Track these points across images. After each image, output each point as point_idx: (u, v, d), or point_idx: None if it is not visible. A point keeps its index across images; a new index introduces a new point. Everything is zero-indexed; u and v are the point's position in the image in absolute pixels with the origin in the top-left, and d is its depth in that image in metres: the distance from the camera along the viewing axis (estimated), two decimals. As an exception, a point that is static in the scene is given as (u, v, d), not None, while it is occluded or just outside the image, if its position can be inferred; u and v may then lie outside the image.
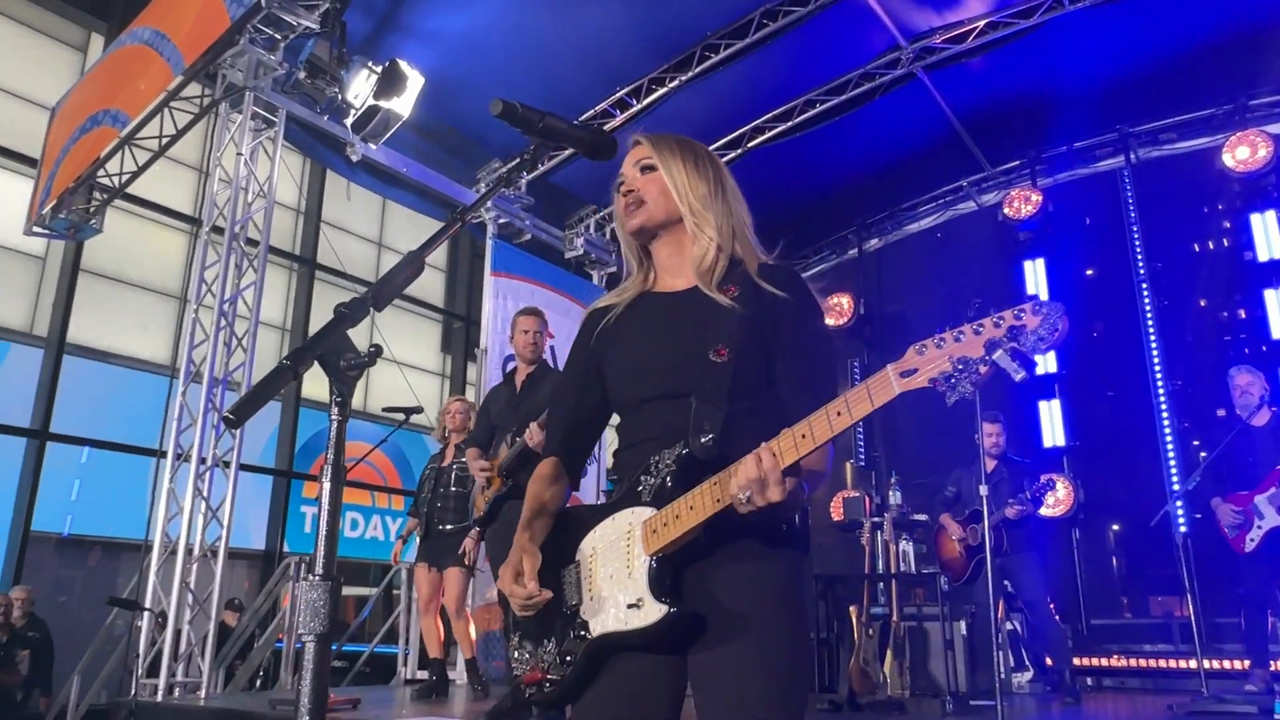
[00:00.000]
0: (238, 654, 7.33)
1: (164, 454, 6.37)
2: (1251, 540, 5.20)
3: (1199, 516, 7.10)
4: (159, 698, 5.61)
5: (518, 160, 1.61)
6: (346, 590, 12.15)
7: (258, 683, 7.33)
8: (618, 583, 1.54)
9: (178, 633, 5.84)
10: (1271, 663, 5.50)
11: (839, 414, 1.35)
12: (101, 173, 7.44)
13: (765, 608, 1.51)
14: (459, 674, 7.12)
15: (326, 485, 1.20)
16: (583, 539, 1.63)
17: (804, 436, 1.37)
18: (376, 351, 1.25)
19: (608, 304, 1.79)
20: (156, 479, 6.39)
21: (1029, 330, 1.23)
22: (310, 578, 1.17)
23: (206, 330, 6.49)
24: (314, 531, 1.23)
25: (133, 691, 5.54)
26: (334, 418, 1.24)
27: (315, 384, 11.12)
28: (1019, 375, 1.23)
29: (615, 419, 1.82)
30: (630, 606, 1.50)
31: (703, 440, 1.50)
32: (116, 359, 9.97)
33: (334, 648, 8.58)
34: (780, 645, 1.51)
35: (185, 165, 10.52)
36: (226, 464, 6.32)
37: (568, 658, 1.56)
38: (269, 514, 11.20)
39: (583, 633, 1.56)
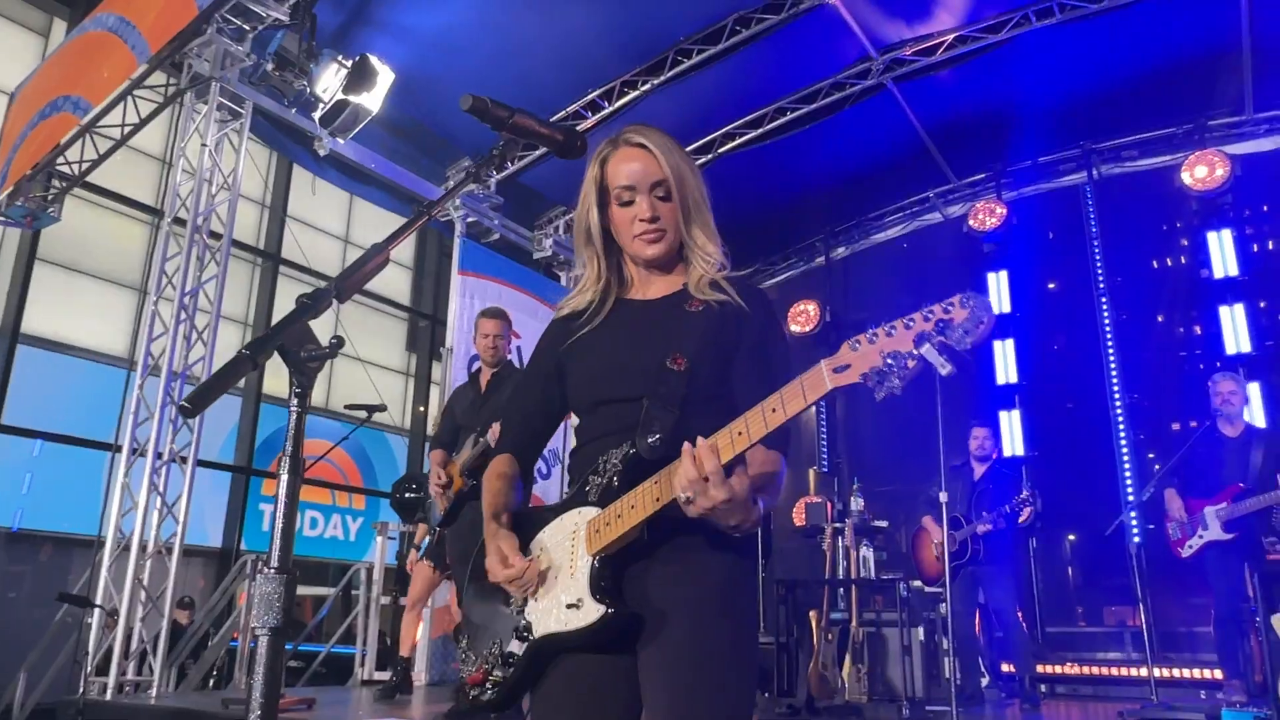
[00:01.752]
0: (190, 653, 7.21)
1: (119, 448, 6.24)
2: (1190, 547, 5.29)
3: (1152, 527, 7.24)
4: (108, 696, 5.49)
5: (487, 156, 1.62)
6: (305, 590, 12.00)
7: (211, 682, 7.22)
8: (560, 583, 1.54)
9: (129, 630, 5.73)
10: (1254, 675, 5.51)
11: (774, 410, 1.35)
12: (61, 160, 7.29)
13: (702, 608, 1.51)
14: (419, 675, 7.07)
15: (284, 478, 1.19)
16: (531, 540, 1.63)
17: (740, 433, 1.38)
18: (338, 343, 1.24)
19: (576, 309, 1.78)
20: (111, 473, 6.26)
21: (955, 323, 1.21)
22: (265, 571, 1.16)
23: (166, 323, 6.38)
24: (272, 528, 1.21)
25: (81, 690, 5.43)
26: (293, 409, 1.22)
27: (277, 379, 10.98)
28: (945, 369, 1.20)
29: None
30: (570, 607, 1.50)
31: (649, 440, 1.51)
32: (72, 350, 9.77)
33: (290, 647, 8.46)
34: (718, 647, 1.50)
35: (148, 155, 10.34)
36: (184, 459, 6.22)
37: (511, 659, 1.56)
38: (227, 511, 11.03)
39: (526, 634, 1.56)
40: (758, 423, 1.37)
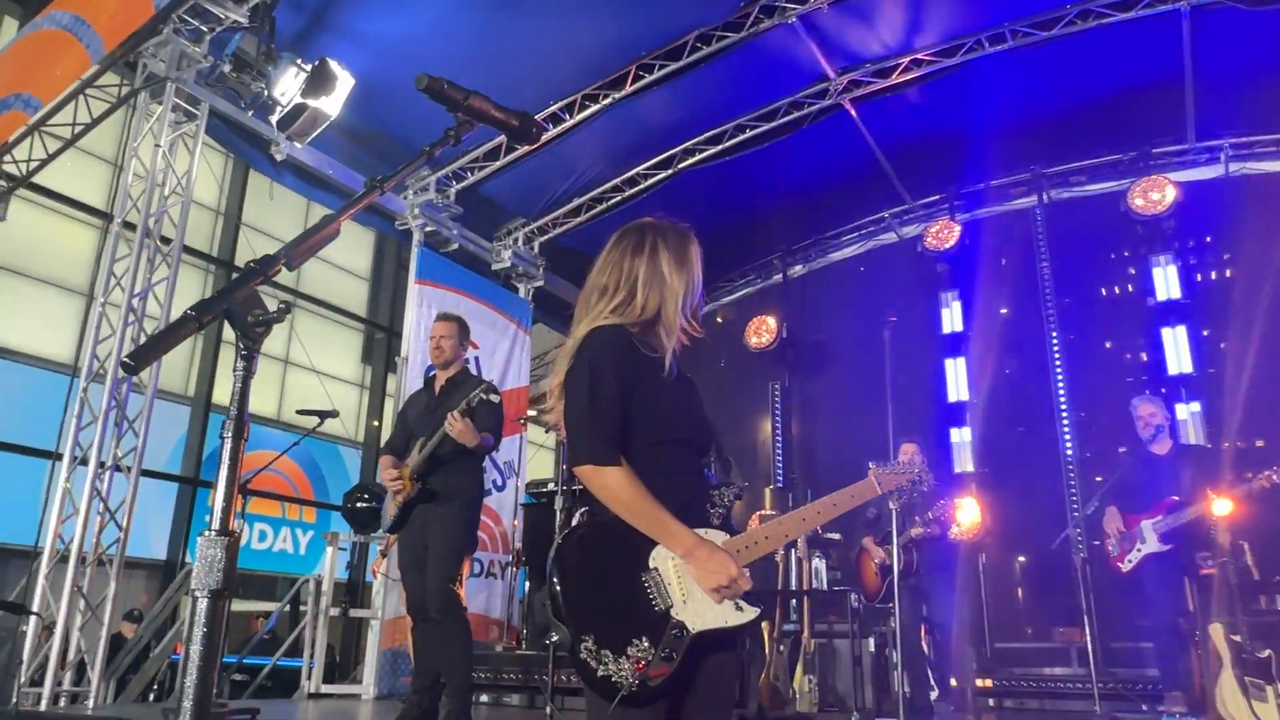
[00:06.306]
0: (131, 665, 7.02)
1: (59, 456, 6.08)
2: (1130, 561, 5.41)
3: (1097, 544, 7.37)
4: (43, 706, 5.32)
5: (442, 136, 1.66)
6: (253, 605, 11.75)
7: (151, 695, 7.03)
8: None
9: (66, 640, 5.56)
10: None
11: (834, 505, 2.21)
12: (8, 159, 7.12)
13: None
14: (368, 688, 6.96)
15: (228, 440, 1.17)
16: (651, 550, 1.82)
17: (819, 512, 2.14)
18: (286, 308, 1.23)
19: (649, 352, 1.95)
20: (51, 480, 6.09)
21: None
22: (207, 533, 1.14)
23: (114, 326, 6.25)
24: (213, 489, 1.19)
25: (14, 699, 5.26)
26: (239, 373, 1.21)
27: (226, 389, 10.79)
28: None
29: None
30: (738, 609, 1.83)
31: (743, 484, 2.07)
32: (15, 356, 9.54)
33: (234, 660, 8.23)
34: None
35: (99, 158, 10.17)
36: (128, 467, 6.07)
37: (668, 652, 1.74)
38: (172, 523, 10.79)
39: (678, 631, 1.76)
40: (829, 509, 2.15)
